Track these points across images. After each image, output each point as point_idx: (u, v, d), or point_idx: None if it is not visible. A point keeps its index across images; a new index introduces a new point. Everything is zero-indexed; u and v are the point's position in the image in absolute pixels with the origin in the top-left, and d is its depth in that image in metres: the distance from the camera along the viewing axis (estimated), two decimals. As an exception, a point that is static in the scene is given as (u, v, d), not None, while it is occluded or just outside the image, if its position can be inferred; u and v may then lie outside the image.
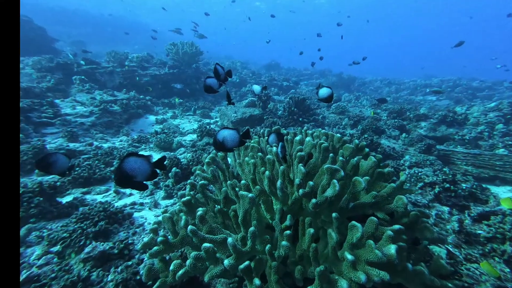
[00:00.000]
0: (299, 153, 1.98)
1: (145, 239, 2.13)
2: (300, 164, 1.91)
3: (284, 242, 1.68)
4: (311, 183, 1.77)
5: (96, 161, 5.40)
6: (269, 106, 8.92)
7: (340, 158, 2.01)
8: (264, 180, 1.93)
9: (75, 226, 3.24)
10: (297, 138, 2.30)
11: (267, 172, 1.91)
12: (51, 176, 4.67)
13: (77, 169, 4.85)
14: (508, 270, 2.70)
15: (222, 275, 1.75)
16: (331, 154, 2.02)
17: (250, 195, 1.79)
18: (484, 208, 3.69)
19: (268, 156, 2.04)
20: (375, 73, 32.52)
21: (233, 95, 13.40)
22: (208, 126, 7.31)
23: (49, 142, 6.10)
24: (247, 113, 8.31)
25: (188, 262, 1.74)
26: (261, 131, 3.02)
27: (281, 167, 1.96)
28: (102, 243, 2.97)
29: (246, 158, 2.24)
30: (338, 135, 2.53)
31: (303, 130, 2.91)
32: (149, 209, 4.15)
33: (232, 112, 8.43)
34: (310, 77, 21.80)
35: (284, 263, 1.87)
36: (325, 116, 9.15)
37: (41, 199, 3.77)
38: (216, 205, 2.28)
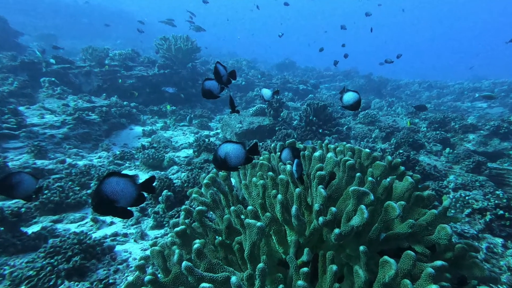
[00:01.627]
0: (319, 173, 1.99)
1: (130, 278, 2.15)
2: (320, 186, 1.92)
3: (300, 282, 1.69)
4: (333, 209, 1.79)
5: (70, 182, 5.45)
6: (282, 114, 8.96)
7: (370, 178, 2.02)
8: (276, 206, 1.94)
9: (44, 262, 3.26)
10: (317, 154, 2.32)
11: (279, 196, 1.93)
12: (14, 201, 4.71)
13: (46, 192, 4.88)
14: None
15: (224, 322, 1.76)
16: (358, 174, 2.03)
17: (258, 224, 1.80)
18: (549, 241, 3.67)
19: (281, 176, 2.05)
20: (413, 74, 32.57)
21: (238, 101, 13.48)
22: (207, 140, 7.36)
23: (12, 158, 6.15)
24: (254, 123, 8.35)
25: (182, 306, 1.75)
26: (272, 145, 3.03)
27: (297, 189, 1.98)
28: (77, 283, 2.99)
29: (254, 179, 2.26)
30: (367, 150, 2.54)
31: (323, 144, 2.93)
32: (135, 241, 4.17)
33: (237, 122, 8.48)
34: (333, 79, 21.88)
35: (300, 308, 1.88)
36: (351, 127, 9.17)
37: (2, 229, 3.81)
38: (217, 236, 2.29)
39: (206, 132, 9.72)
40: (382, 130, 8.50)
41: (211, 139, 8.68)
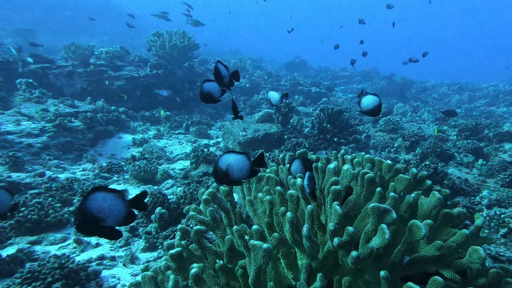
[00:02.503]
0: (333, 187, 2.00)
1: (119, 307, 2.15)
2: (335, 202, 1.93)
3: (312, 312, 1.69)
4: (350, 229, 1.79)
5: (50, 199, 5.46)
6: (291, 121, 8.96)
7: (392, 193, 2.02)
8: (285, 225, 1.95)
9: (20, 289, 3.27)
10: (331, 166, 2.33)
11: (288, 214, 1.93)
12: (-14, 219, 4.73)
13: (22, 209, 4.89)
14: None
15: None
16: (378, 189, 2.04)
17: (265, 245, 1.80)
18: None
19: (291, 191, 2.06)
20: (441, 75, 32.55)
21: (241, 105, 13.51)
22: (206, 150, 7.38)
23: (-16, 171, 6.19)
24: (260, 131, 8.37)
25: (178, 339, 1.75)
26: (281, 156, 3.04)
27: (309, 206, 1.98)
28: (57, 313, 2.99)
29: (260, 194, 2.26)
30: (389, 161, 2.55)
31: (339, 155, 2.94)
32: (124, 265, 4.18)
33: (240, 130, 8.50)
34: (349, 80, 21.91)
35: None
36: (370, 135, 9.17)
37: (-26, 250, 3.83)
38: (217, 260, 2.29)
39: (205, 141, 9.75)
40: (405, 139, 8.50)
41: (211, 149, 8.69)
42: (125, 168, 7.18)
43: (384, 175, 2.54)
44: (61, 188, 5.80)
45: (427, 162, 6.61)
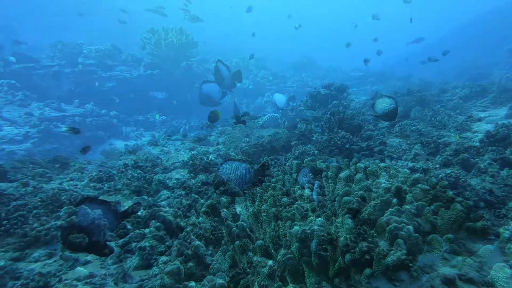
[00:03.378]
0: (345, 198, 1.99)
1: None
2: (347, 215, 1.92)
3: (322, 335, 1.69)
4: (364, 244, 1.79)
5: (34, 211, 5.47)
6: (298, 126, 8.96)
7: (408, 206, 2.02)
8: (292, 240, 1.95)
9: (2, 310, 3.28)
10: (343, 175, 2.33)
11: (296, 228, 1.93)
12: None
13: (4, 222, 4.90)
14: None
15: None
16: (394, 200, 2.04)
17: (270, 262, 1.80)
18: None
19: (298, 202, 2.06)
20: (462, 75, 32.42)
21: (244, 108, 13.50)
22: (205, 157, 7.37)
23: (-36, 180, 6.20)
24: (265, 137, 8.37)
25: None
26: (287, 164, 3.05)
27: (318, 219, 1.98)
28: (42, 336, 2.99)
29: (264, 206, 2.26)
30: (406, 170, 2.54)
31: (351, 163, 2.94)
32: (115, 284, 4.18)
33: (243, 136, 8.50)
34: (362, 81, 21.87)
35: None
36: (385, 142, 9.16)
37: (-49, 267, 3.83)
38: (217, 279, 2.29)
39: (204, 148, 9.74)
40: (424, 146, 8.48)
41: (211, 156, 8.68)
42: (117, 178, 7.17)
43: (400, 185, 2.54)
44: (47, 199, 5.80)
45: (448, 171, 6.59)
